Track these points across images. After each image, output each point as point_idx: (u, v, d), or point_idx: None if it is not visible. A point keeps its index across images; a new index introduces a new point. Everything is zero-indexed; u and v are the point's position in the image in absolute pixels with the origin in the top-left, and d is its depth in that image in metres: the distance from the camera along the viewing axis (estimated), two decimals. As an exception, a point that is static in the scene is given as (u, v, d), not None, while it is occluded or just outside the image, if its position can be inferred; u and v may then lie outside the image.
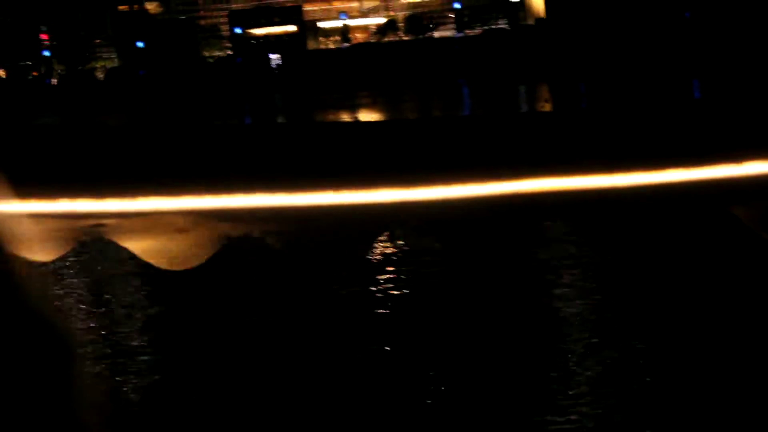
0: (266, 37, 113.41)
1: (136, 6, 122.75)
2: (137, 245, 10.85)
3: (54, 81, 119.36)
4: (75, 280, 22.91)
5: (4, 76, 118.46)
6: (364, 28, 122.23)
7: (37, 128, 47.61)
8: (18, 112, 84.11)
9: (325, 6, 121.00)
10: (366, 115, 69.97)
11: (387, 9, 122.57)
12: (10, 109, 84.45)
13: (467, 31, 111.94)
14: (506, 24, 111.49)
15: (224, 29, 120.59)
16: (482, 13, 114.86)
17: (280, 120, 75.51)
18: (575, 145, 11.44)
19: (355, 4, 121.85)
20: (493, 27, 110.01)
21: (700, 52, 76.49)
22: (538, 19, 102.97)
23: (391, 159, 10.99)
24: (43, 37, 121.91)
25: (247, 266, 20.31)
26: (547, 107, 67.02)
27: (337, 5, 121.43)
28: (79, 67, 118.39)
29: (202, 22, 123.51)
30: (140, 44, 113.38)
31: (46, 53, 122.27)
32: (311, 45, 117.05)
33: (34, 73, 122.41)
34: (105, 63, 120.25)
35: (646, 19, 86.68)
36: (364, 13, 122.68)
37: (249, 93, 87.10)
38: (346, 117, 69.20)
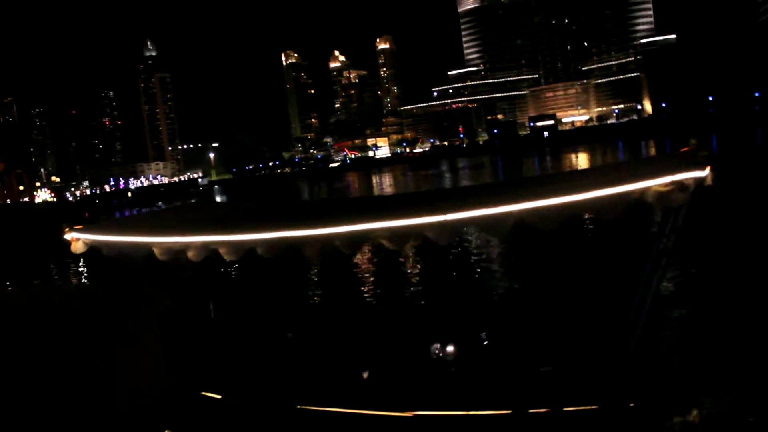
0: (543, 125, 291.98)
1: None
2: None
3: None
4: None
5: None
6: (579, 121, 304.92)
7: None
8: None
9: (561, 112, 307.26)
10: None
11: (587, 110, 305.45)
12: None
13: (623, 119, 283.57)
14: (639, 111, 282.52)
15: (526, 121, 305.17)
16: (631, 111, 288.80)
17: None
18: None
19: (576, 111, 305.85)
20: (633, 118, 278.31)
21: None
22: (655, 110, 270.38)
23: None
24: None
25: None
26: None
27: (568, 111, 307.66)
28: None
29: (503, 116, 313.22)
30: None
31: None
32: (560, 127, 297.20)
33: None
34: None
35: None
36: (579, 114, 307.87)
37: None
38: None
